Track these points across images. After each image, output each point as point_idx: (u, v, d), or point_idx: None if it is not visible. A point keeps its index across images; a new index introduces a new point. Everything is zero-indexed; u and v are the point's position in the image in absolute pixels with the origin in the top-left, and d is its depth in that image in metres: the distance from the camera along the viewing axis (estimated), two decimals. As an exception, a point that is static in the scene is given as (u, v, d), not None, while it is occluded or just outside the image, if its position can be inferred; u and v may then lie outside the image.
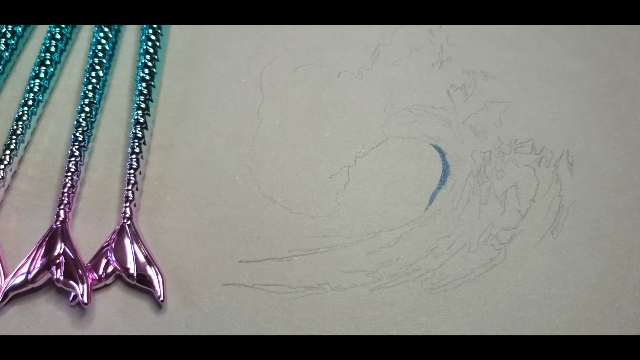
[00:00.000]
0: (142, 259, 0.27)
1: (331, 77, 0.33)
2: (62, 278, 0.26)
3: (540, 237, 0.28)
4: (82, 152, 0.29)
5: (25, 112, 0.30)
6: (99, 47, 0.32)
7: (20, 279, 0.26)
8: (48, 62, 0.32)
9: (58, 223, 0.27)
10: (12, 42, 0.32)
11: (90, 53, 0.32)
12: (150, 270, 0.27)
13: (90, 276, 0.26)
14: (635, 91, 0.32)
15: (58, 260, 0.26)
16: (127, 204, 0.28)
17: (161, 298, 0.26)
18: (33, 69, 0.31)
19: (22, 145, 0.30)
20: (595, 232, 0.28)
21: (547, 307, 0.27)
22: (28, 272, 0.26)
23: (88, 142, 0.30)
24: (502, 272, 0.27)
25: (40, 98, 0.31)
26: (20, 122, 0.30)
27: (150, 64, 0.32)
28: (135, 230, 0.27)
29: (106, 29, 0.33)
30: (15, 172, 0.29)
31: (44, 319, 0.26)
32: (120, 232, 0.27)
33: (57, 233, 0.27)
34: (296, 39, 0.34)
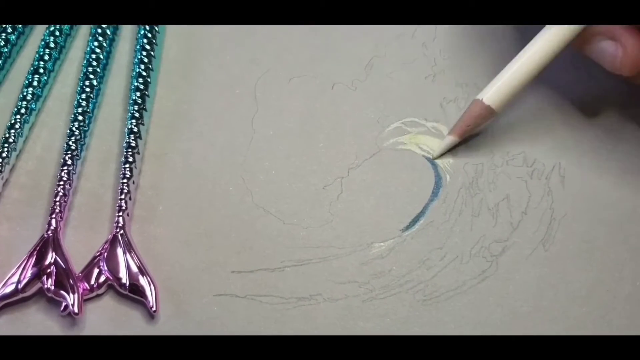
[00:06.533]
0: (134, 268, 0.27)
1: (325, 89, 0.33)
2: (52, 288, 0.26)
3: (532, 249, 0.28)
4: (75, 161, 0.29)
5: (18, 120, 0.30)
6: (93, 56, 0.32)
7: (10, 288, 0.26)
8: (42, 71, 0.32)
9: (49, 232, 0.27)
10: (6, 50, 0.32)
11: (85, 62, 0.32)
12: (143, 280, 0.26)
13: (82, 286, 0.26)
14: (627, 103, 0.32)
15: (49, 270, 0.26)
16: (120, 214, 0.28)
17: (154, 308, 0.26)
18: (26, 77, 0.31)
19: (14, 154, 0.30)
20: (587, 245, 0.29)
21: (538, 319, 0.27)
22: (18, 282, 0.26)
23: (81, 151, 0.30)
24: (494, 284, 0.28)
25: (33, 106, 0.31)
26: (12, 131, 0.30)
27: (144, 73, 0.32)
28: (127, 239, 0.27)
29: (101, 38, 0.33)
30: (7, 180, 0.29)
31: (34, 328, 0.26)
32: (113, 242, 0.27)
33: (49, 242, 0.27)
34: (290, 50, 0.34)
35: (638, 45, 0.26)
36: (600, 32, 0.27)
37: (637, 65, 0.26)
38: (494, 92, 0.29)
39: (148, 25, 0.33)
